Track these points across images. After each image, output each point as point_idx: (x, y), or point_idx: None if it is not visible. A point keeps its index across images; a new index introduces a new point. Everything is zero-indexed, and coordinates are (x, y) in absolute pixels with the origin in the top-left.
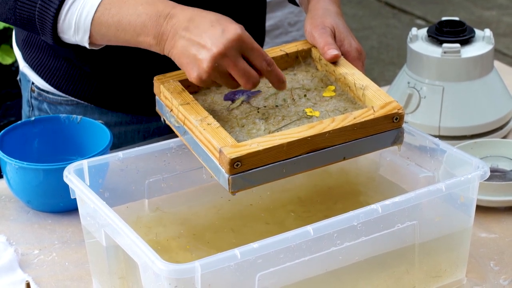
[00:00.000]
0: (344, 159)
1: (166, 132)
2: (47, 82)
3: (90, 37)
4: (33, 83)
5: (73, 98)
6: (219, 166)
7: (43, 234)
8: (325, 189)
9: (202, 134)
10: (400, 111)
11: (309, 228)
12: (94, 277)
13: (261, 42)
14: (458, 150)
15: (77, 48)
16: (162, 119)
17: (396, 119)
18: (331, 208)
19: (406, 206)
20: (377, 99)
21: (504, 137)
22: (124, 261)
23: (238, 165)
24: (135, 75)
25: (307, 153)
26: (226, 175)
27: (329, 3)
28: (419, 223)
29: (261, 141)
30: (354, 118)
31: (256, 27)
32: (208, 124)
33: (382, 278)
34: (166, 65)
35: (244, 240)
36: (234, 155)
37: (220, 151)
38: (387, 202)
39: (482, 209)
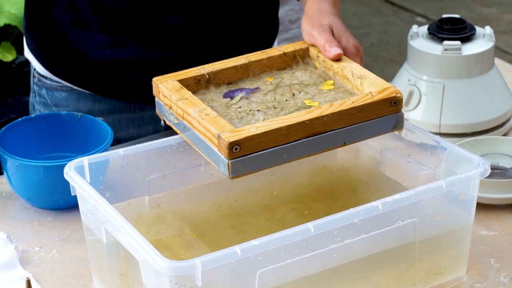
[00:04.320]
0: (345, 144)
1: (159, 120)
2: (43, 66)
3: None
4: (35, 69)
5: (67, 84)
6: (219, 152)
7: (44, 231)
8: (326, 187)
9: (201, 124)
10: (398, 95)
11: (310, 225)
12: (94, 274)
13: (274, 33)
14: (458, 147)
15: (73, 34)
16: (161, 123)
17: (395, 103)
18: (332, 205)
19: (406, 203)
20: (375, 86)
21: (505, 135)
22: (125, 258)
23: (237, 149)
24: (128, 62)
25: (307, 137)
26: (226, 160)
27: (325, 4)
28: (419, 221)
29: (259, 126)
30: (352, 102)
31: (268, 18)
32: (207, 114)
33: (382, 276)
34: (159, 51)
35: (245, 237)
36: (232, 139)
37: (219, 137)
38: (388, 199)
39: (483, 207)
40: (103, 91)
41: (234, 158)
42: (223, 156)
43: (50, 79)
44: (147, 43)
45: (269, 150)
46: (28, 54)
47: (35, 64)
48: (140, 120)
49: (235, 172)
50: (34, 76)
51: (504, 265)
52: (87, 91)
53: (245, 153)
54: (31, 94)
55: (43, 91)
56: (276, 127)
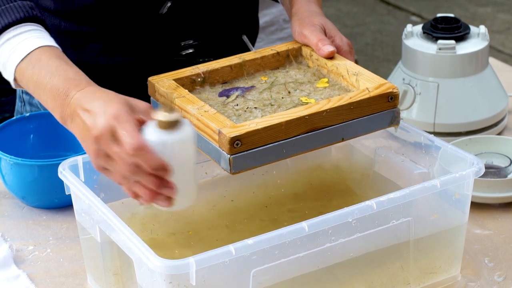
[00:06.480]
0: (343, 140)
1: None
2: None
3: (15, 80)
4: None
5: None
6: (219, 148)
7: (38, 230)
8: (320, 186)
9: (200, 121)
10: (394, 91)
11: (304, 224)
12: (88, 273)
13: (254, 35)
14: (453, 146)
15: (61, 44)
16: None
17: (391, 98)
18: (326, 204)
19: (401, 202)
20: (371, 82)
21: (499, 134)
22: (119, 257)
23: (238, 144)
24: (118, 73)
25: (306, 133)
26: (227, 156)
27: (314, 5)
28: (413, 220)
29: (259, 121)
30: (350, 98)
31: (249, 20)
32: (205, 111)
33: (377, 275)
34: (144, 62)
35: (239, 236)
36: (233, 134)
37: (219, 132)
38: (382, 198)
39: (477, 206)
40: None
41: (235, 154)
42: (224, 152)
43: None
44: (132, 48)
45: (269, 146)
46: None
47: None
48: None
49: (236, 168)
50: None
51: (498, 264)
52: None
53: (246, 149)
54: (19, 103)
55: (35, 100)
56: (276, 122)
